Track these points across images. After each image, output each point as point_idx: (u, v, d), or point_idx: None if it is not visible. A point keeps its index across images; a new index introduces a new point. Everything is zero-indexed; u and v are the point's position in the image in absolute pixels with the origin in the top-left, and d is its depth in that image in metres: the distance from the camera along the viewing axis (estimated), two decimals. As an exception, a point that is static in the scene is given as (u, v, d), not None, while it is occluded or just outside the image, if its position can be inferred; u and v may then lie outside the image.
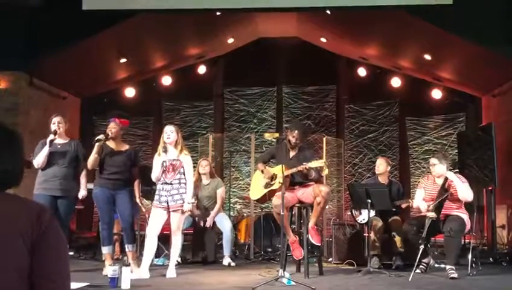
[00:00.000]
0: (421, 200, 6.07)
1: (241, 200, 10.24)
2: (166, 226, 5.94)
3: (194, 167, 6.97)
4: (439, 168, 6.01)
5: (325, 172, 6.14)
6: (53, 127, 5.86)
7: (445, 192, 5.80)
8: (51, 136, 5.79)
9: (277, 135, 6.65)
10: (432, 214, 5.71)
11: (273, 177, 5.98)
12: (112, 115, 6.11)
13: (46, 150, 5.75)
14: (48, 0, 7.59)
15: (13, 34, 7.71)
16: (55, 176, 5.77)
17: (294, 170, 5.78)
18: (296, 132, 6.03)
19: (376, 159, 7.45)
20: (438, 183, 5.97)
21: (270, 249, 8.05)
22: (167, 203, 5.75)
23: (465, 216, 5.88)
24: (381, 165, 6.97)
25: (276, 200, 5.76)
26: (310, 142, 9.36)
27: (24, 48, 7.75)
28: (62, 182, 5.79)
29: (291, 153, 6.07)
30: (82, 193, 6.24)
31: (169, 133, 5.81)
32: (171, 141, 5.80)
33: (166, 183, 5.78)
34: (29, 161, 6.06)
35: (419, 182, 6.86)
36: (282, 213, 5.39)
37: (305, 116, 10.90)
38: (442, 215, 5.83)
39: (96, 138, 5.91)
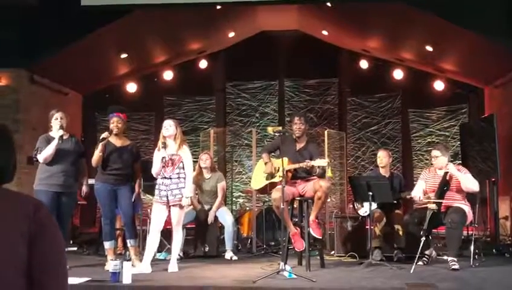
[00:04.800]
0: (419, 190, 6.06)
1: (243, 194, 10.24)
2: (168, 220, 5.95)
3: (195, 161, 6.99)
4: (440, 160, 6.00)
5: (329, 173, 6.14)
6: (57, 122, 5.86)
7: (446, 184, 5.79)
8: (60, 132, 5.77)
9: (280, 128, 6.64)
10: (433, 206, 5.71)
11: (276, 170, 5.98)
12: (113, 110, 6.07)
13: (54, 145, 5.73)
14: (47, -3, 7.59)
15: (13, 31, 7.71)
16: (59, 172, 5.79)
17: (296, 165, 5.79)
18: (298, 118, 6.04)
19: (378, 152, 7.43)
20: (439, 175, 5.96)
21: (272, 243, 8.07)
22: (167, 198, 5.77)
23: (466, 208, 5.86)
24: (384, 158, 6.95)
25: (274, 193, 5.76)
26: (312, 136, 9.35)
27: (25, 44, 7.75)
28: (65, 178, 5.81)
29: (298, 146, 6.06)
30: (85, 189, 6.25)
31: (168, 126, 5.81)
32: (169, 134, 5.80)
33: (165, 178, 5.79)
34: (31, 157, 6.08)
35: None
36: (282, 207, 5.39)
37: (307, 109, 10.86)
38: (444, 207, 5.83)
39: (101, 137, 5.89)
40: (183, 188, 5.76)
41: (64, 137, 5.87)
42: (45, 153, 5.75)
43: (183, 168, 5.80)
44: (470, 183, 5.81)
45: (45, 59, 7.99)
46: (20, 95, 8.09)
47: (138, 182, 6.14)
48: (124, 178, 5.95)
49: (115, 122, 5.95)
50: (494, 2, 7.31)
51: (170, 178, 5.78)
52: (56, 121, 5.88)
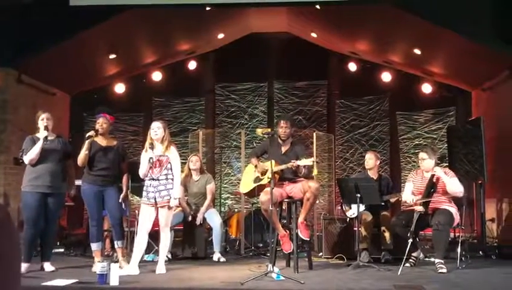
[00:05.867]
0: (409, 193, 6.09)
1: (232, 196, 10.23)
2: (156, 222, 5.93)
3: (184, 162, 6.97)
4: (427, 163, 6.04)
5: (315, 172, 6.14)
6: (42, 123, 5.84)
7: (432, 187, 5.83)
8: (45, 133, 5.76)
9: (269, 130, 6.64)
10: (420, 208, 5.75)
11: (264, 172, 5.98)
12: (100, 111, 6.09)
13: (39, 146, 5.71)
14: (35, -4, 7.53)
15: (1, 30, 7.64)
16: (45, 173, 5.75)
17: (283, 166, 5.79)
18: (285, 121, 6.05)
19: (366, 154, 7.46)
20: (426, 177, 6.00)
21: (261, 245, 8.07)
22: (155, 199, 5.75)
23: (453, 210, 5.90)
24: (370, 160, 6.99)
25: (262, 196, 5.76)
26: (300, 138, 9.36)
27: (12, 44, 7.69)
28: (52, 179, 5.78)
29: (283, 148, 6.07)
30: (72, 190, 6.21)
31: (156, 129, 5.80)
32: (158, 138, 5.79)
33: (153, 179, 5.77)
34: (17, 158, 6.04)
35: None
36: (270, 209, 5.39)
37: (296, 111, 10.90)
38: (431, 209, 5.86)
39: (87, 135, 5.89)
40: (171, 189, 5.75)
41: (50, 138, 5.85)
42: (30, 155, 5.72)
43: (171, 169, 5.79)
44: (455, 187, 5.85)
45: (33, 59, 7.93)
46: (7, 95, 8.01)
47: (126, 183, 6.11)
48: (111, 179, 5.93)
49: (100, 122, 5.96)
50: (482, 5, 7.37)
51: (158, 179, 5.76)
52: (42, 122, 5.85)
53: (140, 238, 5.78)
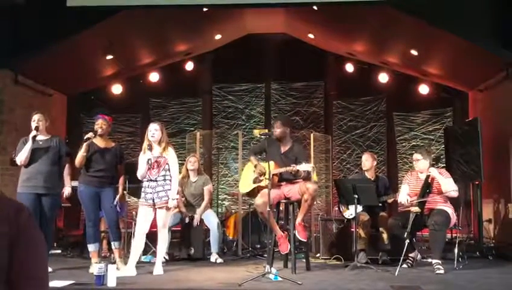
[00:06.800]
0: (405, 194, 6.10)
1: (229, 197, 10.22)
2: (154, 223, 5.92)
3: (181, 163, 6.97)
4: (422, 164, 6.06)
5: (315, 178, 6.14)
6: (33, 124, 5.84)
7: (428, 187, 5.83)
8: (33, 132, 5.77)
9: (266, 131, 6.65)
10: (416, 209, 5.75)
11: (262, 174, 5.98)
12: (98, 112, 6.09)
13: (28, 147, 5.73)
14: (32, -3, 7.51)
15: (-3, 30, 7.63)
16: (38, 173, 5.75)
17: (282, 169, 5.80)
18: (275, 122, 6.07)
19: (363, 155, 7.46)
20: (421, 178, 6.01)
21: (258, 246, 8.07)
22: (153, 200, 5.74)
23: (449, 210, 5.91)
24: (367, 161, 6.99)
25: (258, 199, 5.77)
26: (298, 138, 9.36)
27: (9, 45, 7.66)
28: (46, 179, 5.77)
29: (283, 148, 6.07)
30: (67, 190, 6.19)
31: (154, 131, 5.80)
32: (155, 139, 5.79)
33: (151, 180, 5.77)
34: (12, 159, 6.03)
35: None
36: (267, 210, 5.39)
37: (293, 112, 10.90)
38: (427, 210, 5.87)
39: (85, 137, 5.88)
40: (169, 190, 5.75)
41: (43, 138, 5.84)
42: (21, 156, 5.73)
43: (169, 170, 5.79)
44: (449, 187, 5.85)
45: (29, 60, 7.91)
46: (4, 95, 7.98)
47: (122, 184, 6.09)
48: (108, 180, 5.92)
49: (99, 123, 5.95)
50: (479, 6, 7.38)
51: (156, 180, 5.76)
52: (33, 123, 5.86)
53: (138, 239, 5.78)
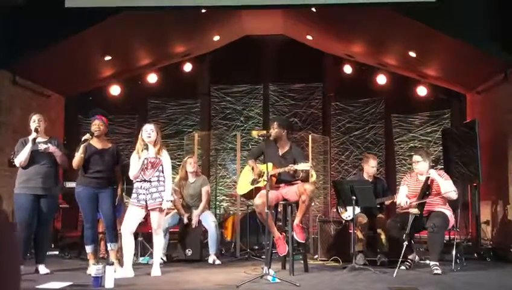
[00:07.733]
0: (404, 196, 6.10)
1: (227, 198, 10.22)
2: (149, 225, 5.91)
3: (179, 164, 6.96)
4: (421, 165, 6.06)
5: (313, 178, 6.14)
6: (33, 125, 5.82)
7: (427, 189, 5.84)
8: (34, 134, 5.75)
9: (264, 132, 6.65)
10: (415, 211, 5.75)
11: (261, 175, 5.98)
12: (95, 113, 6.05)
13: (28, 148, 5.71)
14: (30, -2, 7.50)
15: (-5, 32, 7.62)
16: (37, 175, 5.75)
17: (280, 170, 5.80)
18: (274, 123, 6.08)
19: (362, 156, 7.49)
20: (421, 180, 6.01)
21: (256, 247, 8.06)
22: (145, 201, 5.72)
23: (448, 212, 5.92)
24: (375, 167, 7.07)
25: (257, 199, 5.76)
26: (296, 140, 9.37)
27: (7, 46, 7.65)
28: (44, 180, 5.77)
29: (281, 150, 6.07)
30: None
31: (150, 132, 5.79)
32: (151, 140, 5.78)
33: (145, 181, 5.74)
34: (10, 160, 6.01)
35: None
36: (266, 211, 5.39)
37: (291, 113, 10.90)
38: (426, 212, 5.88)
39: (83, 138, 5.85)
40: (163, 191, 5.74)
41: (42, 139, 5.83)
42: (20, 157, 5.72)
43: (163, 171, 5.78)
44: (449, 189, 5.86)
45: (28, 61, 7.89)
46: (1, 96, 7.97)
47: (120, 185, 6.08)
48: (106, 181, 5.90)
49: (96, 124, 5.93)
50: (477, 8, 7.40)
51: (150, 181, 5.74)
52: (34, 124, 5.84)
53: (126, 239, 5.72)
